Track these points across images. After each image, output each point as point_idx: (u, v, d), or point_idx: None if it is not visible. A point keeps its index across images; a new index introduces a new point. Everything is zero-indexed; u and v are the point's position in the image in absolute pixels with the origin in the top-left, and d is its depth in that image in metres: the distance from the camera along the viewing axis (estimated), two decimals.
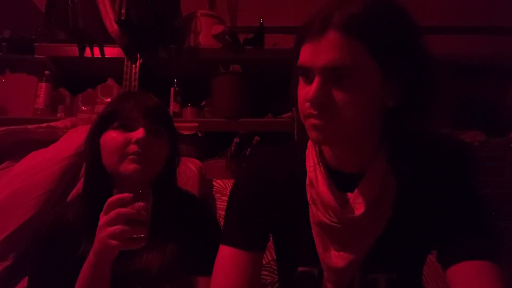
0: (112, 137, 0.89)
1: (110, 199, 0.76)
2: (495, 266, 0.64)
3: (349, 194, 0.71)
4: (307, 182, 0.75)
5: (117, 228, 0.74)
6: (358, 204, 0.69)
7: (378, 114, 0.67)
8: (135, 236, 0.75)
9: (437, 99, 0.67)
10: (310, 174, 0.74)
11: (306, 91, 0.64)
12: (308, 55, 0.63)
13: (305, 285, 0.78)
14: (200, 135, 1.78)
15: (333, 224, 0.70)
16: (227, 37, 1.85)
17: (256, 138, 1.70)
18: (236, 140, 1.70)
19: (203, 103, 2.01)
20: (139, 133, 0.88)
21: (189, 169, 1.30)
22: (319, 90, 0.61)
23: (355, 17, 0.60)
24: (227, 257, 0.77)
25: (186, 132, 1.65)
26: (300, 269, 0.77)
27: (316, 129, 0.65)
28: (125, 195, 0.76)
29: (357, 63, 0.61)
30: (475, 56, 1.98)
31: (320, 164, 0.73)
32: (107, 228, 0.75)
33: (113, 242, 0.74)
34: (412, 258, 0.76)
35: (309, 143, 0.79)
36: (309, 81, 0.65)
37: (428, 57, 0.65)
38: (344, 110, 0.62)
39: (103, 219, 0.76)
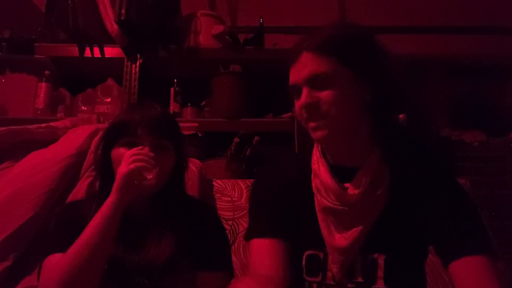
0: (120, 154, 0.92)
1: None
2: (490, 258, 0.74)
3: (347, 184, 0.82)
4: (312, 174, 0.87)
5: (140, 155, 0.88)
6: (355, 188, 0.81)
7: (362, 109, 0.80)
8: (147, 174, 0.87)
9: (404, 92, 0.83)
10: (314, 166, 0.87)
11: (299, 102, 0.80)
12: (293, 75, 0.82)
13: (312, 266, 0.86)
14: (200, 135, 1.78)
15: (335, 206, 0.81)
16: (227, 37, 1.86)
17: (256, 138, 1.70)
18: (236, 140, 1.70)
19: (203, 103, 2.01)
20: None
21: (189, 169, 1.30)
22: (307, 95, 0.78)
23: (320, 39, 0.79)
24: (262, 246, 0.85)
25: (186, 132, 1.64)
26: (307, 252, 0.86)
27: (315, 129, 0.79)
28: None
29: (330, 70, 0.77)
30: (475, 56, 1.98)
31: (322, 158, 0.86)
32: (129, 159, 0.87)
33: (136, 163, 0.86)
34: (407, 240, 0.83)
35: (315, 146, 0.91)
36: (299, 95, 0.80)
37: (386, 55, 0.81)
38: (329, 107, 0.77)
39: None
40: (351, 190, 0.81)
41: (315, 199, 0.85)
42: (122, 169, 0.86)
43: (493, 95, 2.02)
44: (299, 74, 0.79)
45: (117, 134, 0.96)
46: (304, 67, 0.79)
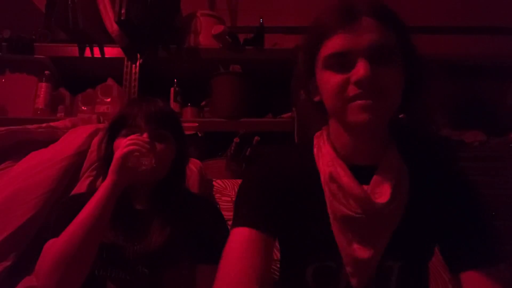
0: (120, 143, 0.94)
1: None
2: (503, 268, 0.70)
3: (365, 186, 0.72)
4: (325, 178, 0.75)
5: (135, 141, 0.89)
6: (377, 193, 0.71)
7: None
8: (143, 159, 0.90)
9: (428, 91, 0.75)
10: (329, 169, 0.75)
11: (347, 76, 0.67)
12: (344, 41, 0.67)
13: (321, 279, 0.77)
14: (200, 135, 1.78)
15: (358, 215, 0.71)
16: (227, 37, 1.85)
17: (256, 138, 1.70)
18: (236, 140, 1.70)
19: (203, 103, 2.01)
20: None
21: (189, 169, 1.30)
22: (369, 69, 0.64)
23: (380, 5, 0.68)
24: (240, 236, 0.73)
25: (186, 132, 1.65)
26: (315, 264, 0.77)
27: (365, 110, 0.66)
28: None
29: (393, 45, 0.67)
30: (475, 56, 1.98)
31: (339, 158, 0.75)
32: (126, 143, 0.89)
33: (131, 147, 0.87)
34: (423, 246, 0.78)
35: (316, 142, 0.82)
36: (345, 67, 0.67)
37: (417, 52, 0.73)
38: (389, 89, 0.67)
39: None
40: (372, 193, 0.71)
41: (330, 206, 0.74)
42: (118, 153, 0.90)
43: (493, 95, 2.02)
44: (357, 40, 0.66)
45: (118, 126, 0.99)
46: (366, 33, 0.65)
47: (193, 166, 1.35)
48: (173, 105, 1.88)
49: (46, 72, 1.85)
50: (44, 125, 1.38)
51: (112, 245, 0.92)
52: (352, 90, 0.66)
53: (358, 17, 0.66)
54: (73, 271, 0.83)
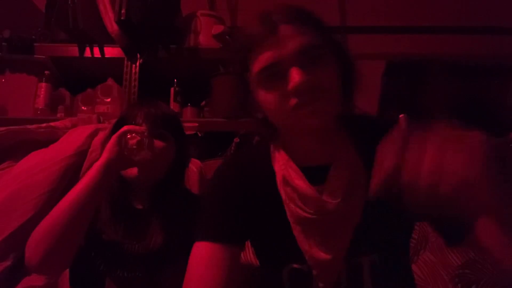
0: None
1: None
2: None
3: (320, 187, 0.71)
4: (279, 181, 0.75)
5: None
6: (332, 193, 0.70)
7: None
8: (139, 148, 0.90)
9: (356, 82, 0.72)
10: (282, 172, 0.75)
11: (283, 89, 0.65)
12: (270, 54, 0.66)
13: (296, 282, 0.76)
14: (200, 135, 1.78)
15: (313, 217, 0.70)
16: (227, 37, 1.85)
17: (256, 138, 1.70)
18: (236, 140, 1.70)
19: (203, 103, 2.01)
20: None
21: (189, 169, 1.31)
22: (303, 74, 0.63)
23: (295, 10, 0.68)
24: (202, 251, 0.73)
25: (186, 132, 1.65)
26: (289, 266, 0.76)
27: (311, 115, 0.65)
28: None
29: (320, 43, 0.66)
30: (475, 56, 1.98)
31: (291, 161, 0.75)
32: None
33: (127, 127, 0.88)
34: (392, 237, 0.75)
35: (272, 148, 0.81)
36: (279, 81, 0.66)
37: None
38: (327, 88, 0.65)
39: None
40: (329, 195, 0.69)
41: (288, 209, 0.73)
42: (115, 135, 0.90)
43: (493, 95, 2.02)
44: (282, 50, 0.64)
45: (119, 127, 0.98)
46: (289, 40, 0.64)
47: (193, 166, 1.35)
48: (173, 105, 1.89)
49: (46, 72, 1.85)
50: (44, 125, 1.38)
51: (112, 243, 0.92)
52: (292, 100, 0.65)
53: (276, 28, 0.65)
54: (58, 246, 0.82)
